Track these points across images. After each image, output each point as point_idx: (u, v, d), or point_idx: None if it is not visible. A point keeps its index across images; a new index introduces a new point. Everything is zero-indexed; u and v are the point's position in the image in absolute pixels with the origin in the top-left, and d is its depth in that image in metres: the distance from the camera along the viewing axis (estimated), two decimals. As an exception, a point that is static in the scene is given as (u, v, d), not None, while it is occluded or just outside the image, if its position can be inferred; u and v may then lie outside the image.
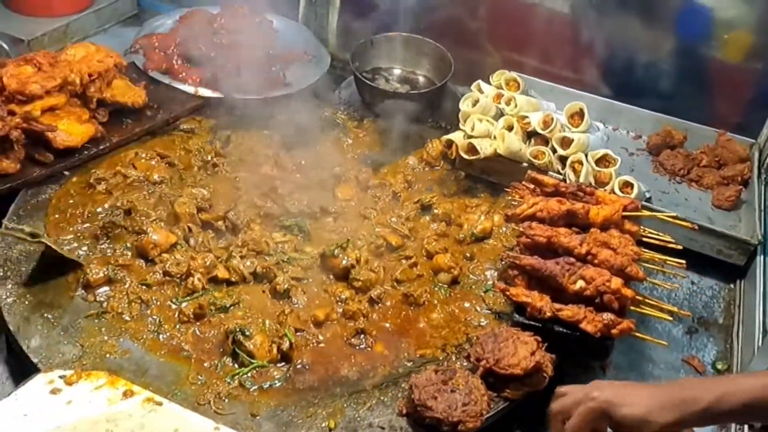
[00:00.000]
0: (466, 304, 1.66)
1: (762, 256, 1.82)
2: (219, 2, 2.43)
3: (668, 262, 1.60)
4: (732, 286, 1.88)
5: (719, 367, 1.67)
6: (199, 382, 1.39)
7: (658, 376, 1.63)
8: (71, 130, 1.83)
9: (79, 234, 1.67)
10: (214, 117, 2.12)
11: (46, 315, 1.46)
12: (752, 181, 2.04)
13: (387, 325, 1.58)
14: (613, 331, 1.47)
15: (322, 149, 2.04)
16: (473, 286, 1.70)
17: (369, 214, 1.84)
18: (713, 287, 1.88)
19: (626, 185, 1.84)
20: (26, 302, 1.48)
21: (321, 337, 1.53)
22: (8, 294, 1.49)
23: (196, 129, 2.07)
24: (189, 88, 2.15)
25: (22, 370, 1.39)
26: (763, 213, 1.93)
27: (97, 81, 1.92)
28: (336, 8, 2.52)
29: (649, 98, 2.29)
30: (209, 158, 1.96)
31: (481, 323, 1.61)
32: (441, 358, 1.51)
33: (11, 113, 1.74)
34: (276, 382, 1.42)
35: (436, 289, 1.68)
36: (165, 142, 2.00)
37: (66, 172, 1.83)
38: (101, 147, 1.89)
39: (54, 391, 1.27)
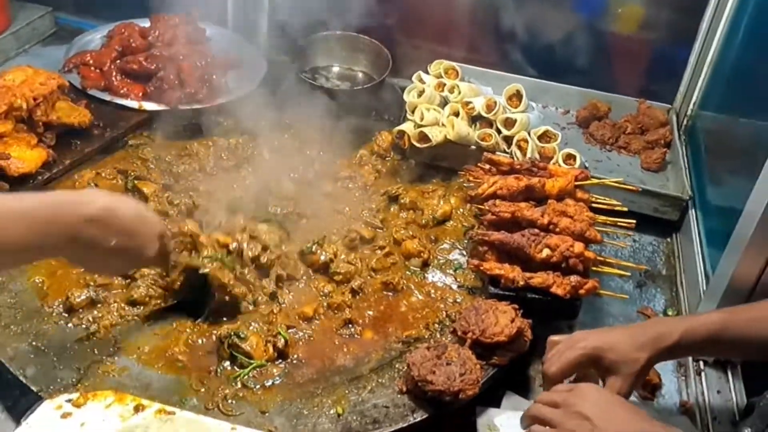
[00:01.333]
0: (440, 284, 1.75)
1: (693, 210, 2.01)
2: (146, 15, 2.41)
3: (619, 223, 1.75)
4: (669, 240, 2.07)
5: (669, 313, 1.84)
6: (203, 389, 1.42)
7: (619, 329, 1.78)
8: (23, 156, 1.80)
9: (49, 260, 1.65)
10: (162, 129, 2.12)
11: (33, 343, 1.45)
12: (674, 142, 2.23)
13: (371, 312, 1.65)
14: (581, 291, 1.61)
15: (277, 152, 2.07)
16: (443, 266, 1.80)
17: (341, 209, 1.90)
18: (653, 243, 2.05)
19: (569, 157, 1.99)
20: (11, 333, 1.46)
21: (312, 332, 1.59)
22: (-9, 327, 1.46)
23: (146, 143, 2.07)
24: (132, 103, 2.14)
25: (17, 403, 1.38)
26: (688, 171, 2.12)
27: (42, 104, 1.89)
28: (265, 11, 2.55)
29: (571, 75, 2.45)
30: (171, 169, 1.96)
31: (457, 300, 1.71)
32: (426, 336, 1.60)
33: (-42, 145, 1.70)
34: (277, 378, 1.47)
35: (410, 273, 1.77)
36: (119, 159, 1.99)
37: (22, 200, 1.79)
38: (54, 171, 1.87)
39: (65, 415, 1.27)
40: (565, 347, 1.33)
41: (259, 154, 2.06)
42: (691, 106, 2.33)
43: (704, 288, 1.77)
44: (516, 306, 1.56)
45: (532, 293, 1.61)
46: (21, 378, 1.37)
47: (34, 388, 1.35)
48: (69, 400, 1.30)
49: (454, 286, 1.75)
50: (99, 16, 2.60)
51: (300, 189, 1.94)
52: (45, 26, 2.65)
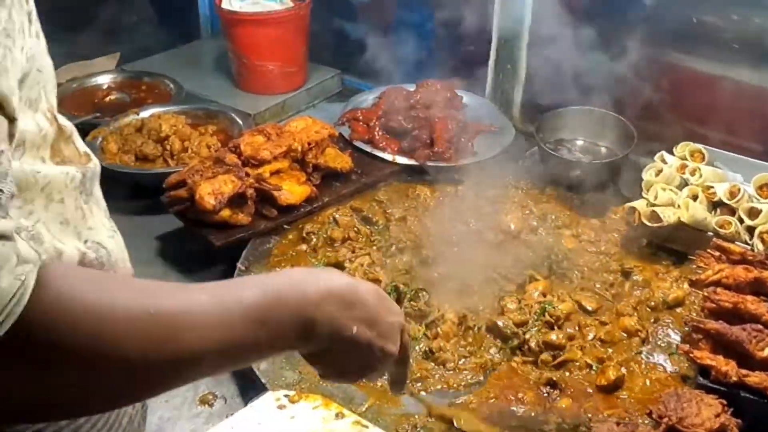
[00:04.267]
0: (653, 366, 1.71)
1: None
2: (414, 81, 2.72)
3: None
4: None
5: None
6: (399, 413, 1.56)
7: None
8: (292, 190, 2.14)
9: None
10: (408, 182, 2.37)
11: (270, 345, 1.72)
12: None
13: (577, 379, 1.68)
14: (805, 400, 1.46)
15: (508, 213, 2.19)
16: (661, 348, 1.76)
17: (571, 275, 1.97)
18: None
19: (820, 257, 1.81)
20: (255, 333, 1.75)
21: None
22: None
23: (391, 192, 2.32)
24: (388, 156, 2.42)
25: (249, 391, 1.65)
26: None
27: (314, 149, 2.23)
28: (521, 85, 2.71)
29: None
30: (398, 215, 2.19)
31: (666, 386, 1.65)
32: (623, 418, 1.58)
33: (247, 174, 2.08)
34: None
35: (627, 352, 1.75)
36: (358, 199, 2.27)
37: (286, 226, 2.13)
38: (314, 206, 2.19)
39: (280, 407, 1.50)
40: None
41: (490, 214, 2.19)
42: None
43: None
44: (724, 402, 1.47)
45: (747, 392, 1.51)
46: (255, 371, 1.64)
47: (263, 380, 1.61)
48: (287, 396, 1.53)
49: (669, 369, 1.69)
50: (377, 80, 2.96)
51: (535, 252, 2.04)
52: (333, 86, 3.09)
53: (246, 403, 1.56)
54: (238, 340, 0.85)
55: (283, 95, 2.91)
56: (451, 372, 1.69)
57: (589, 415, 1.58)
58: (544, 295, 1.86)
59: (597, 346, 1.76)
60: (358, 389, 1.62)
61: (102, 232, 1.06)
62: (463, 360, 1.72)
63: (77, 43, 2.96)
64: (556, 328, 1.78)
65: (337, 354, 0.96)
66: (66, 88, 2.78)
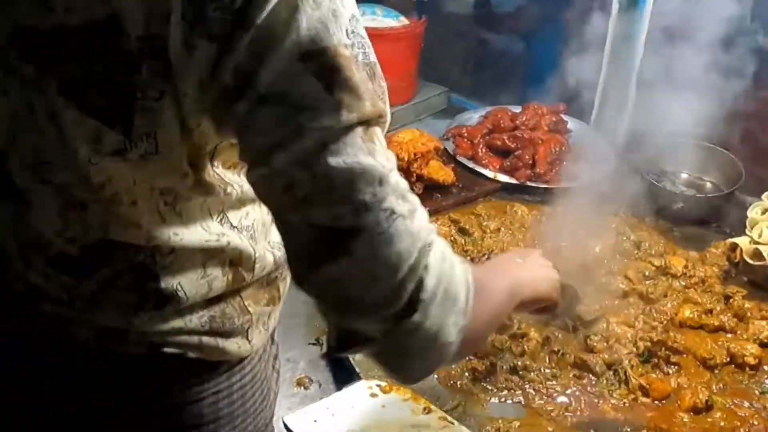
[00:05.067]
0: (745, 404, 1.69)
1: None
2: (521, 103, 2.78)
3: None
4: None
5: None
6: (484, 415, 1.62)
7: None
8: (396, 196, 2.24)
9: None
10: (506, 199, 2.43)
11: (365, 338, 1.82)
12: None
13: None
14: None
15: (606, 235, 2.20)
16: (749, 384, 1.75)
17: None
18: None
19: None
20: (352, 326, 1.86)
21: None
22: (340, 316, 1.87)
23: (489, 207, 2.39)
24: (489, 173, 2.49)
25: (342, 378, 1.75)
26: None
27: (419, 160, 2.33)
28: (627, 114, 2.72)
29: None
30: (493, 227, 2.25)
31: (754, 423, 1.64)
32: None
33: (355, 178, 2.19)
34: None
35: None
36: (457, 211, 2.34)
37: (388, 231, 2.22)
38: (415, 213, 2.28)
39: (372, 395, 1.59)
40: None
41: (581, 231, 2.21)
42: None
43: None
44: (817, 444, 1.46)
45: (842, 438, 1.48)
46: (351, 360, 1.74)
47: (357, 370, 1.70)
48: (379, 386, 1.62)
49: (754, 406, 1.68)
50: (483, 100, 3.05)
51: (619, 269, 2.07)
52: (439, 103, 3.19)
53: (339, 389, 1.66)
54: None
55: (392, 108, 3.01)
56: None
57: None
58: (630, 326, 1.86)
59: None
60: (445, 389, 1.69)
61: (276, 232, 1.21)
62: (550, 381, 1.75)
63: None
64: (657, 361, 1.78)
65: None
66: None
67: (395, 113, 3.02)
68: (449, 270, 0.90)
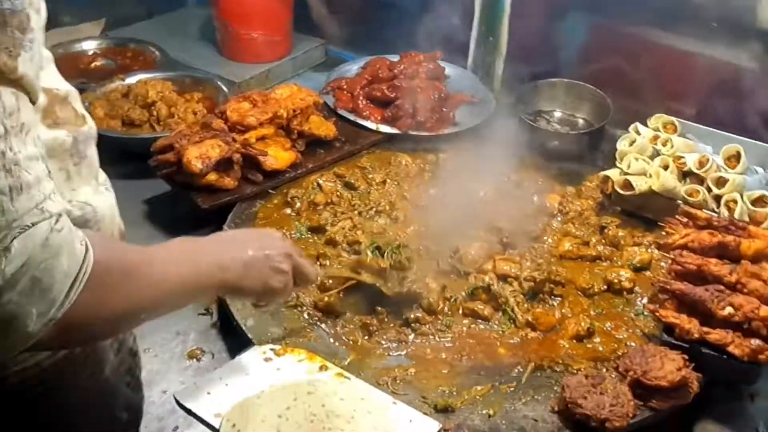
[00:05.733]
0: (622, 327, 1.79)
1: None
2: (398, 51, 2.76)
3: (821, 296, 1.66)
4: None
5: None
6: (380, 367, 1.64)
7: (807, 406, 1.68)
8: (277, 156, 2.19)
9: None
10: (390, 150, 2.43)
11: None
12: None
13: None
14: (761, 356, 1.56)
15: (488, 178, 2.25)
16: (625, 308, 1.85)
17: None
18: None
19: (781, 225, 1.91)
20: (241, 291, 1.81)
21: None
22: (229, 283, 1.83)
23: (373, 159, 2.38)
24: (371, 125, 2.47)
25: (235, 346, 1.71)
26: None
27: (298, 116, 2.28)
28: (502, 56, 2.76)
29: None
30: (378, 180, 2.25)
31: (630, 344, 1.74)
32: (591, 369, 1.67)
33: (233, 140, 2.12)
34: (443, 369, 1.65)
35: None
36: (344, 168, 2.31)
37: (271, 191, 2.18)
38: (299, 171, 2.24)
39: (267, 360, 1.56)
40: None
41: (464, 176, 2.25)
42: None
43: None
44: (686, 357, 1.57)
45: (707, 349, 1.60)
46: (242, 326, 1.70)
47: (249, 336, 1.67)
48: (272, 350, 1.59)
49: (630, 329, 1.78)
50: (361, 51, 3.00)
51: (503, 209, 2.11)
52: (317, 56, 3.13)
53: (233, 358, 1.63)
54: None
55: (268, 64, 2.94)
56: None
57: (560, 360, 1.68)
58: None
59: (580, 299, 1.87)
60: (341, 346, 1.70)
61: (87, 191, 1.13)
62: (442, 332, 1.77)
63: (63, 9, 2.96)
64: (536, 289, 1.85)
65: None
66: (51, 54, 2.78)
67: (272, 69, 2.94)
68: (49, 259, 0.84)
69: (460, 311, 1.80)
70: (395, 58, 2.73)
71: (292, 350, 1.60)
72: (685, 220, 1.84)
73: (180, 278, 1.11)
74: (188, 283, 1.13)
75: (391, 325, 1.76)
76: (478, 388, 1.60)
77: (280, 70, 2.98)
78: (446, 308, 1.79)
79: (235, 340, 1.73)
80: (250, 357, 1.57)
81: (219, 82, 2.65)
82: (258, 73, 2.89)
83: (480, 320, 1.78)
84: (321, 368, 1.56)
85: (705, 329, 1.60)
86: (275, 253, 1.35)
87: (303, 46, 3.09)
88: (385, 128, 2.47)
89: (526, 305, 1.81)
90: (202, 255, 1.19)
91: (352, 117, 2.51)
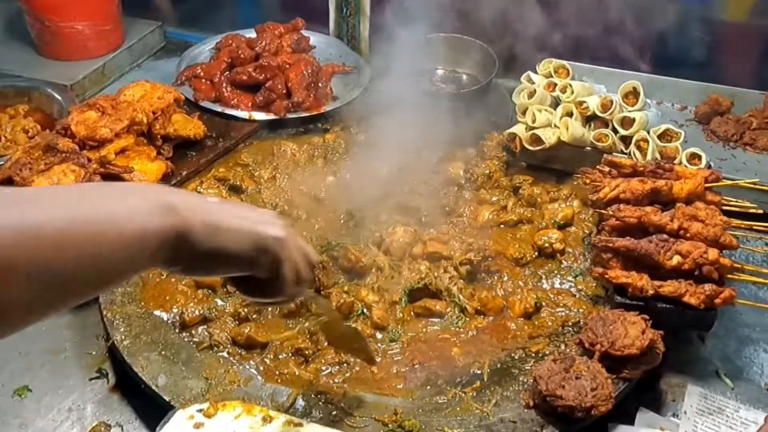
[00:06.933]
0: (558, 289, 1.69)
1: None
2: (245, 26, 2.46)
3: (755, 227, 1.63)
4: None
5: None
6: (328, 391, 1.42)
7: (756, 339, 1.66)
8: (145, 169, 1.85)
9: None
10: (270, 138, 2.15)
11: (163, 353, 1.49)
12: (807, 137, 2.07)
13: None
14: (716, 300, 1.50)
15: (385, 154, 2.05)
16: (562, 273, 1.74)
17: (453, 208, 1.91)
18: (789, 246, 1.91)
19: (693, 157, 1.88)
20: (141, 343, 1.51)
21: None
22: (123, 337, 1.51)
23: (254, 152, 2.10)
24: (243, 114, 2.18)
25: (150, 412, 1.42)
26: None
27: (159, 118, 1.94)
28: (366, 17, 2.54)
29: (688, 68, 2.33)
30: (267, 176, 1.98)
31: (580, 310, 1.64)
32: (548, 346, 1.55)
33: (88, 160, 1.76)
34: (399, 385, 1.46)
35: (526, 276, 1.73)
36: (224, 168, 2.01)
37: (145, 211, 1.85)
38: (173, 182, 1.92)
39: (197, 425, 1.29)
40: None
41: (366, 157, 2.04)
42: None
43: None
44: (646, 317, 1.48)
45: (663, 303, 1.53)
46: (154, 388, 1.41)
47: (166, 397, 1.38)
48: (200, 410, 1.33)
49: (574, 293, 1.69)
50: (203, 29, 2.67)
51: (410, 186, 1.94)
52: (155, 41, 2.73)
53: (150, 428, 1.34)
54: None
55: (101, 58, 2.52)
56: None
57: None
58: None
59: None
60: (277, 383, 1.45)
61: None
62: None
63: None
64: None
65: None
66: None
67: (107, 63, 2.53)
68: None
69: (412, 313, 1.61)
70: (251, 33, 2.42)
71: (224, 405, 1.34)
72: (607, 169, 1.75)
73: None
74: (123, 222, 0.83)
75: (326, 343, 1.53)
76: (440, 400, 1.43)
77: (116, 63, 2.57)
78: (392, 320, 1.59)
79: (147, 405, 1.43)
80: (175, 426, 1.29)
81: (48, 89, 2.22)
82: (91, 71, 2.47)
83: (434, 318, 1.62)
84: (264, 420, 1.32)
85: (657, 283, 1.52)
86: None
87: (137, 32, 2.68)
88: (260, 115, 2.18)
89: (469, 290, 1.65)
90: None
91: (218, 108, 2.19)
